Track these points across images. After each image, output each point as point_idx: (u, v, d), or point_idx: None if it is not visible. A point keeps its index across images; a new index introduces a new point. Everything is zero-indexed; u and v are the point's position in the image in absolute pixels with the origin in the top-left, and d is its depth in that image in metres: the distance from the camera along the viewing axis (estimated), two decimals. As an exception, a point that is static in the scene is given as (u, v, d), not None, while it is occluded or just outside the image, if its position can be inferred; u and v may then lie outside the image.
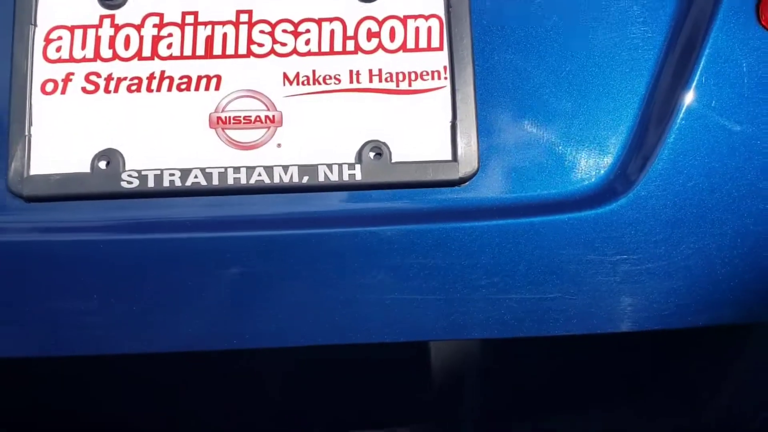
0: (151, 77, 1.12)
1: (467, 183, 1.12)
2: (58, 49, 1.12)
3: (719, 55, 1.14)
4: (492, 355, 1.50)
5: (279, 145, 1.12)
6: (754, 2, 1.15)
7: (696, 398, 1.45)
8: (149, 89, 1.12)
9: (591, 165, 1.13)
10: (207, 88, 1.12)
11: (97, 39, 1.13)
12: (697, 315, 1.14)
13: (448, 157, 1.13)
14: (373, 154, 1.12)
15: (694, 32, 1.15)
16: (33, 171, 1.09)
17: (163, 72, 1.12)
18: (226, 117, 1.11)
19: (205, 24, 1.13)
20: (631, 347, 1.52)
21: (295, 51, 1.13)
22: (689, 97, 1.13)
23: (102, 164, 1.10)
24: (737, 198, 1.14)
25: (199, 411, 1.47)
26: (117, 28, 1.13)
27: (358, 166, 1.11)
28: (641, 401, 1.53)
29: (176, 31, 1.13)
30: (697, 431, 1.47)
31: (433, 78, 1.14)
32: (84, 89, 1.11)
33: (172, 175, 1.09)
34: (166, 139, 1.11)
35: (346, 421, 1.48)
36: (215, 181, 1.10)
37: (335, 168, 1.11)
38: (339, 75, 1.13)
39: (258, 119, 1.12)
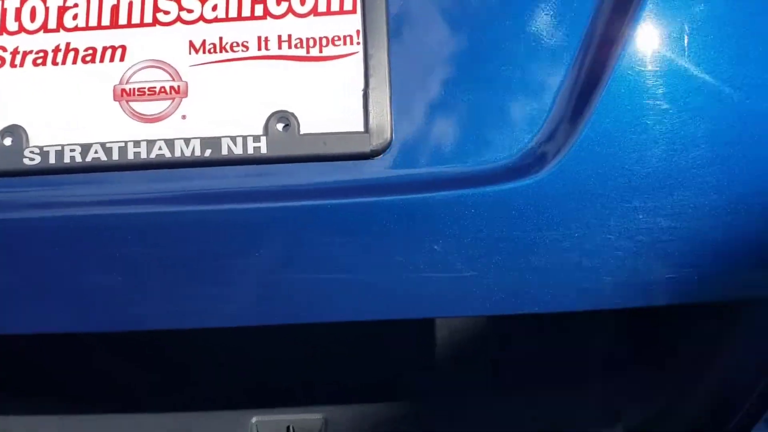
0: (56, 50, 1.09)
1: (380, 155, 1.06)
2: (-35, 23, 1.10)
3: (653, 16, 1.03)
4: (464, 332, 1.43)
5: (184, 117, 1.07)
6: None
7: (683, 380, 1.36)
8: (54, 62, 1.09)
9: (514, 134, 1.05)
10: (112, 60, 1.08)
11: (3, 11, 1.10)
12: (629, 295, 1.05)
13: (360, 128, 1.06)
14: (281, 125, 1.07)
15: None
16: (-61, 148, 1.08)
17: (68, 44, 1.09)
18: (130, 89, 1.08)
19: (111, -8, 1.09)
20: (613, 325, 1.43)
21: (201, 18, 1.08)
22: (625, 55, 1.03)
23: (7, 141, 1.08)
24: (682, 168, 1.04)
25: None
26: (23, -1, 1.10)
27: (264, 139, 1.06)
28: (628, 381, 1.44)
29: (82, 1, 1.10)
30: (684, 413, 1.38)
31: (345, 43, 1.07)
32: (-10, 64, 1.09)
33: (72, 150, 1.06)
34: (71, 114, 1.08)
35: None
36: (115, 156, 1.06)
37: (239, 141, 1.06)
38: (246, 42, 1.08)
39: (162, 90, 1.07)
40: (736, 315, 1.23)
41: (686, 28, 1.04)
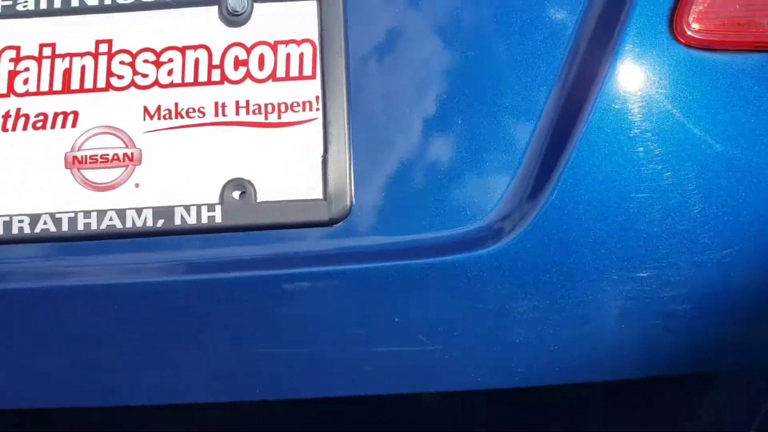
0: (6, 116, 1.05)
1: (339, 223, 1.02)
2: None
3: (624, 76, 1.00)
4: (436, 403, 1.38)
5: (137, 185, 1.04)
6: (668, 12, 1.01)
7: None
8: (5, 128, 1.05)
9: (477, 201, 1.01)
10: (63, 126, 1.05)
11: (-48, 76, 1.07)
12: (594, 369, 1.01)
13: (319, 195, 1.03)
14: (238, 193, 1.03)
15: (599, 43, 1.02)
16: None
17: (18, 110, 1.06)
18: (82, 156, 1.04)
19: (63, 56, 1.06)
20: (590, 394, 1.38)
21: (156, 83, 1.05)
22: (592, 121, 1.00)
23: (-45, 210, 1.04)
24: (650, 235, 1.00)
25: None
26: (-26, 64, 1.07)
27: (218, 208, 1.03)
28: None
29: (33, 65, 1.06)
30: None
31: (304, 109, 1.04)
32: (-60, 130, 1.06)
33: (21, 221, 1.03)
34: (21, 182, 1.04)
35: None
36: (64, 227, 1.02)
37: (193, 210, 1.02)
38: (203, 107, 1.04)
39: (115, 157, 1.04)
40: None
41: (653, 99, 1.01)
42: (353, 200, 1.02)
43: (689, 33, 1.00)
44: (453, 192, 1.01)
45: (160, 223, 1.02)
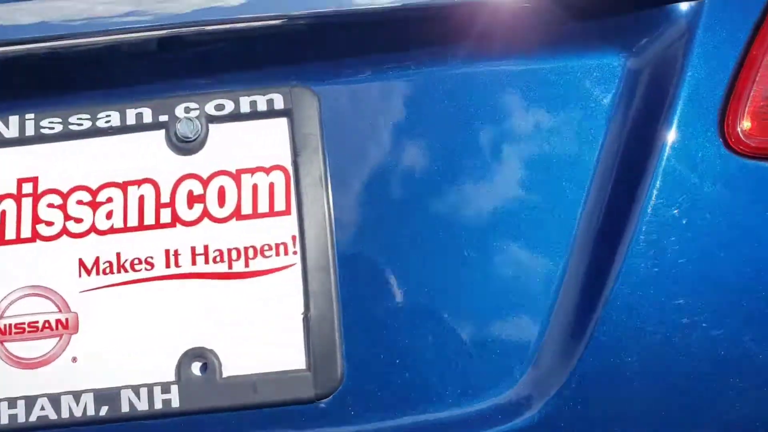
0: None
1: (328, 399, 0.81)
2: None
3: (666, 201, 0.79)
4: None
5: (74, 360, 0.83)
6: (717, 115, 0.80)
7: None
8: None
9: (495, 370, 0.82)
10: (-19, 288, 0.85)
11: None
12: None
13: (301, 365, 0.82)
14: (198, 366, 0.82)
15: (639, 151, 0.81)
16: None
17: (-75, 270, 0.85)
18: (5, 325, 0.84)
19: (-22, 201, 0.86)
20: None
21: (93, 229, 0.85)
22: (630, 260, 0.79)
23: None
24: (708, 392, 0.80)
25: None
26: None
27: (175, 388, 0.82)
28: None
29: (-60, 213, 0.86)
30: None
31: (278, 253, 0.83)
32: None
33: (-70, 416, 0.82)
34: (-68, 362, 0.84)
35: None
36: (-16, 422, 0.82)
37: (143, 392, 0.81)
38: (151, 258, 0.84)
39: (46, 325, 0.84)
40: None
41: (702, 227, 0.81)
42: (344, 370, 0.81)
43: (743, 138, 0.80)
44: (468, 357, 0.81)
45: (103, 410, 0.82)
